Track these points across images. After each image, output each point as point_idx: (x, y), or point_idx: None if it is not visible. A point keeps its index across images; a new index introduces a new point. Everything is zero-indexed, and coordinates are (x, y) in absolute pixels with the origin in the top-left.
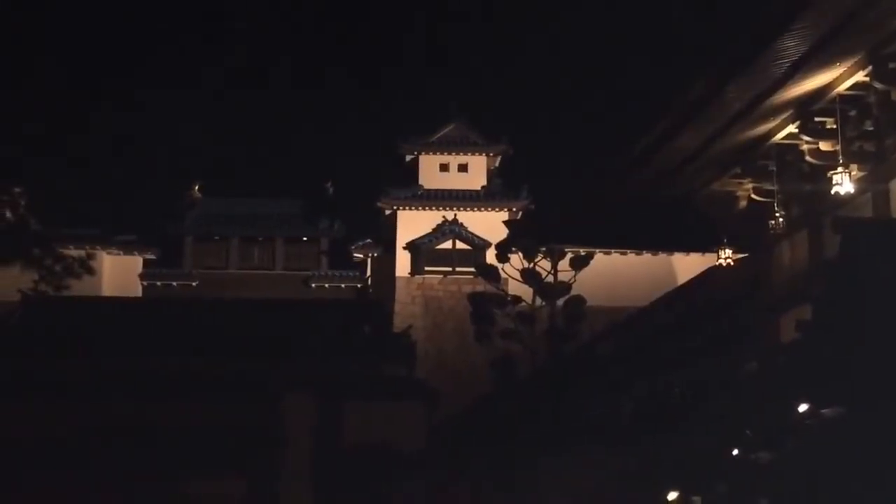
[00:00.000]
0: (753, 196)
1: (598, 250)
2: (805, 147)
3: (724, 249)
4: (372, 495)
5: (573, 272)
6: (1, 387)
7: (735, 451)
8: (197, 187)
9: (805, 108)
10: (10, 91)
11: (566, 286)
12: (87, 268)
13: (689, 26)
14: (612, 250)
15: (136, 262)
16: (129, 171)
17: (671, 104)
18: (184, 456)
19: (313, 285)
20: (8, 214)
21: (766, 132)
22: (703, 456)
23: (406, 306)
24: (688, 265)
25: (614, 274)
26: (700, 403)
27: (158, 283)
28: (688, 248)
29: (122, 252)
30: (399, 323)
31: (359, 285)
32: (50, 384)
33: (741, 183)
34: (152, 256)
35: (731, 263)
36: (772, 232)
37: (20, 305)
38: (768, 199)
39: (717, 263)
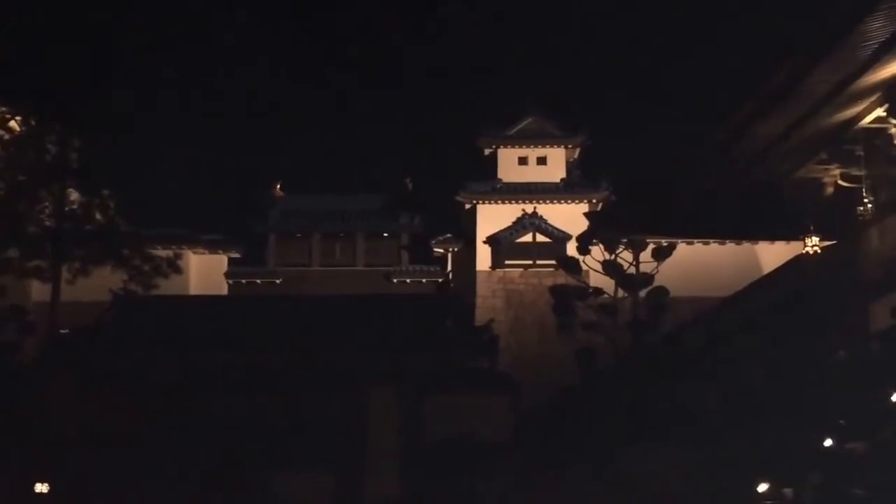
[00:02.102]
0: (840, 182)
1: (680, 241)
2: (894, 130)
3: (811, 237)
4: (457, 488)
5: (655, 263)
6: (94, 384)
7: (828, 442)
8: (279, 185)
9: (894, 91)
10: (97, 95)
11: (649, 277)
12: (174, 267)
13: (773, 10)
14: (695, 240)
15: (221, 261)
16: (213, 170)
17: (755, 90)
18: (273, 450)
19: (395, 280)
20: (98, 217)
21: (852, 116)
22: (794, 446)
23: (487, 300)
24: (773, 254)
25: (697, 264)
26: (789, 393)
27: (243, 281)
28: (772, 237)
29: (207, 251)
30: (481, 317)
31: (440, 280)
32: (141, 381)
33: (827, 169)
34: (237, 255)
35: (819, 251)
36: (860, 218)
37: (111, 305)
38: (856, 185)
39: (803, 251)
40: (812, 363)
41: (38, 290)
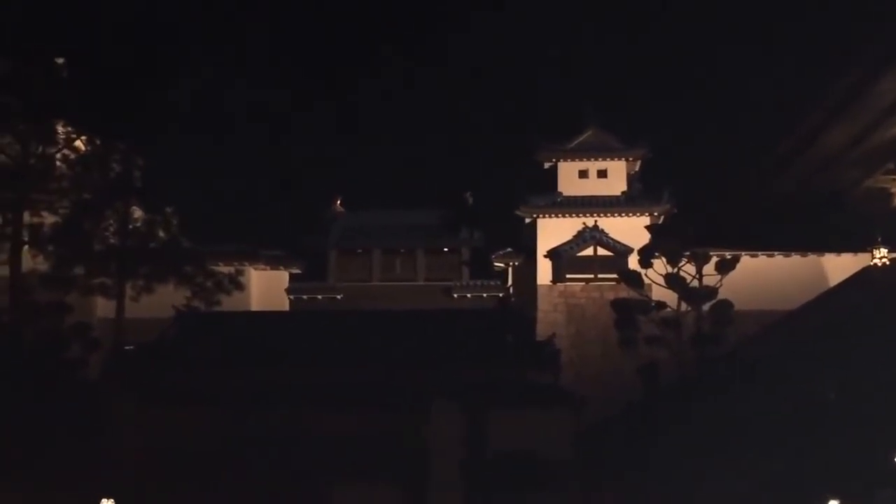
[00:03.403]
0: None
1: (744, 253)
2: None
3: (879, 249)
4: (520, 502)
5: (719, 276)
6: (158, 399)
7: None
8: (339, 201)
9: None
10: (157, 116)
11: (712, 290)
12: (236, 283)
13: (835, 18)
14: (759, 253)
15: (282, 277)
16: (273, 186)
17: (820, 100)
18: (336, 463)
19: (455, 295)
20: (161, 234)
21: None
22: (863, 462)
23: (548, 314)
24: (839, 266)
25: (762, 277)
26: (857, 408)
27: (304, 297)
28: (839, 249)
29: (268, 267)
30: (542, 331)
31: (500, 294)
32: (205, 396)
33: (895, 179)
34: (298, 271)
35: (887, 263)
36: None
37: (174, 321)
38: None
39: (871, 263)
40: (881, 377)
41: (103, 307)
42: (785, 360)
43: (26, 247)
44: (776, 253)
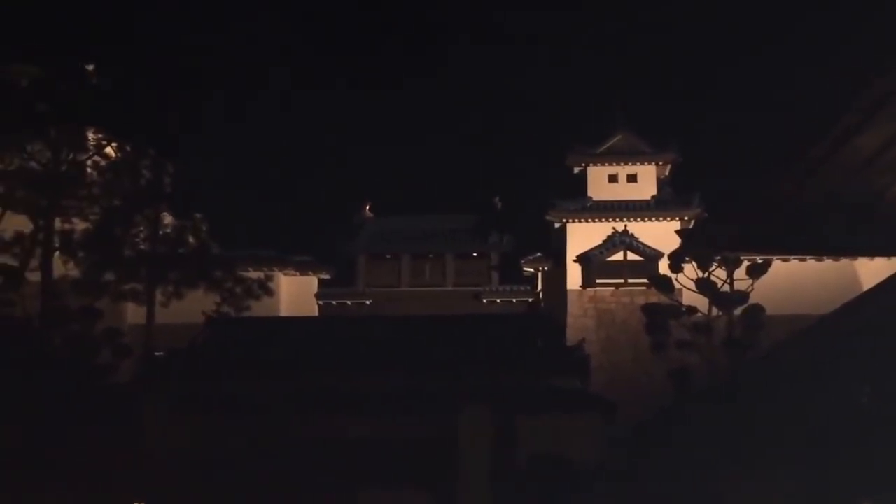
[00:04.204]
0: None
1: (775, 257)
2: None
3: None
4: None
5: (750, 281)
6: (188, 405)
7: None
8: (368, 206)
9: None
10: (188, 123)
11: (744, 295)
12: (265, 289)
13: (868, 13)
14: (791, 257)
15: (311, 282)
16: (302, 191)
17: (853, 101)
18: (364, 469)
19: (485, 300)
20: (191, 240)
21: None
22: None
23: (578, 319)
24: (873, 270)
25: (794, 281)
26: (892, 411)
27: (333, 303)
28: (872, 253)
29: (297, 273)
30: (572, 336)
31: (530, 299)
32: (235, 401)
33: None
34: (327, 276)
35: None
36: None
37: (204, 327)
38: None
39: None
40: None
41: (134, 313)
42: (817, 364)
43: (57, 253)
44: (808, 257)
